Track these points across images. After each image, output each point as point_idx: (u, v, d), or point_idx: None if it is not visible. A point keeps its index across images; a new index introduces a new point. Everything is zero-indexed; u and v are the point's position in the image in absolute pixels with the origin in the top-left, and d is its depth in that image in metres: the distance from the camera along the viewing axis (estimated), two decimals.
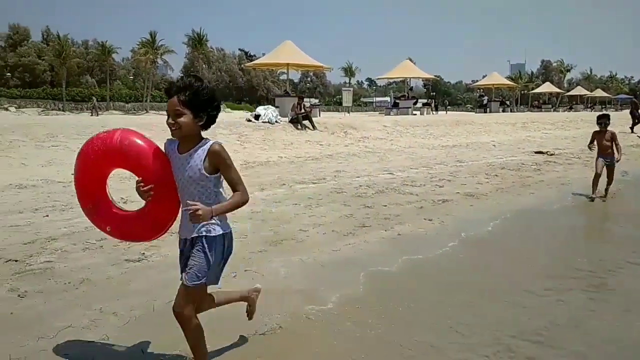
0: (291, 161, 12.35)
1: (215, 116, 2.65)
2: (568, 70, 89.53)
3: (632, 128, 22.38)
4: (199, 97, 2.52)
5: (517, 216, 6.85)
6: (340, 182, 9.15)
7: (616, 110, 59.96)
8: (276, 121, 16.97)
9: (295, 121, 16.97)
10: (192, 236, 2.69)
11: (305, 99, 25.20)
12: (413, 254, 5.04)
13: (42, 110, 42.26)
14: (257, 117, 17.09)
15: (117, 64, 64.95)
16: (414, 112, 31.50)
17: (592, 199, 7.94)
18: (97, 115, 35.76)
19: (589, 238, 6.37)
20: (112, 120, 18.03)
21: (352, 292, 4.05)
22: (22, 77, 55.63)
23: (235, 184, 2.60)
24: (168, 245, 5.05)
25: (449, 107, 55.28)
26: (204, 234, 2.64)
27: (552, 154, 14.42)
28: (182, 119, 2.52)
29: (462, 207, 7.24)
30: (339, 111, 46.45)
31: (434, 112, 36.43)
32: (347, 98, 35.83)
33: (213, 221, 2.60)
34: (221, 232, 2.68)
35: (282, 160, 12.40)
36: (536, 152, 14.89)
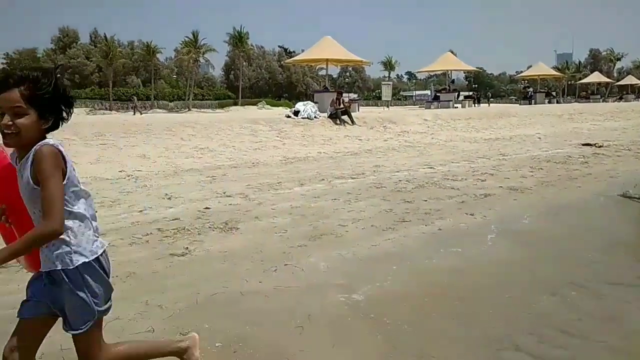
0: (330, 156, 12.39)
1: (65, 119, 2.01)
2: (618, 59, 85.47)
3: None
4: (42, 91, 1.86)
5: (562, 210, 6.63)
6: (379, 177, 9.11)
7: None
8: (315, 117, 17.04)
9: (334, 116, 16.99)
10: (47, 270, 1.95)
11: (344, 94, 25.23)
12: (453, 248, 4.97)
13: (90, 110, 43.81)
14: (296, 113, 17.21)
15: (161, 64, 66.48)
16: (456, 105, 30.92)
17: None
18: (141, 113, 36.82)
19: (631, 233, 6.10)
20: (156, 118, 18.58)
21: (389, 285, 4.04)
22: (72, 78, 57.77)
23: (46, 208, 1.81)
24: (211, 239, 5.19)
25: (491, 99, 53.89)
26: (59, 267, 1.92)
27: (600, 146, 13.86)
28: (22, 120, 1.82)
29: (505, 201, 7.08)
30: (378, 105, 45.98)
31: (476, 105, 35.63)
32: (386, 92, 35.43)
33: (68, 248, 1.91)
34: (84, 260, 1.95)
35: (321, 156, 12.45)
36: (584, 145, 14.35)
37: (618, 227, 6.06)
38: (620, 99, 54.66)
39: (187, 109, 47.82)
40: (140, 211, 6.46)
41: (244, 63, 64.11)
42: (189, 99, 51.98)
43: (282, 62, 61.56)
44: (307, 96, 47.16)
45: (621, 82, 64.11)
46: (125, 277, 4.21)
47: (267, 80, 71.54)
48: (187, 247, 4.92)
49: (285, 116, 17.35)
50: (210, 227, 5.62)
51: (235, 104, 52.64)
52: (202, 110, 46.76)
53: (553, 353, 3.02)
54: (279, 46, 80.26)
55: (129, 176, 9.21)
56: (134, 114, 35.48)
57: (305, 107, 17.56)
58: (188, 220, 5.92)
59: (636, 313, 3.56)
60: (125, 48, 62.62)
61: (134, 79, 61.96)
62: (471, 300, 3.79)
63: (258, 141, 13.56)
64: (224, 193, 7.59)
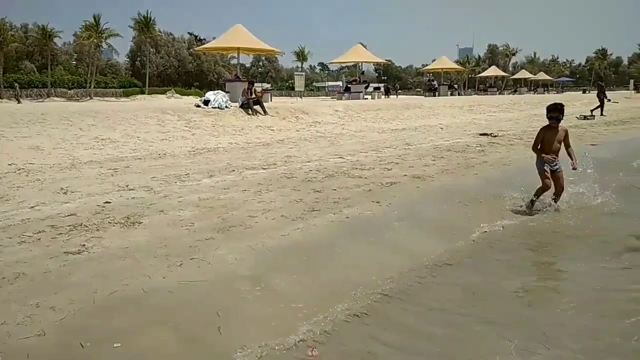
0: (241, 147, 12.21)
1: None
2: (513, 54, 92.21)
3: (599, 110, 23.28)
4: None
5: (456, 196, 7.05)
6: (290, 167, 9.13)
7: (557, 92, 62.60)
8: (226, 106, 16.70)
9: (246, 106, 16.77)
10: None
11: (256, 84, 24.92)
12: (360, 235, 5.12)
13: None
14: (206, 102, 16.75)
15: (58, 49, 61.85)
16: (366, 97, 31.74)
17: (531, 206, 6.43)
18: (19, 102, 34.15)
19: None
20: (52, 107, 17.24)
21: (301, 275, 4.08)
22: None
23: None
24: (111, 235, 4.93)
25: (399, 91, 55.97)
26: None
27: (495, 136, 14.91)
28: None
29: (409, 189, 7.39)
30: (291, 96, 46.04)
31: (385, 97, 36.83)
32: (299, 83, 35.53)
33: None
34: None
35: (232, 147, 12.23)
36: (481, 134, 15.34)
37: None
38: (515, 91, 59.18)
39: (89, 97, 44.93)
40: (32, 207, 5.97)
41: (151, 50, 61.29)
42: (90, 86, 48.81)
43: (192, 50, 59.56)
44: (219, 85, 46.12)
45: (516, 76, 69.30)
46: (13, 278, 3.89)
47: (177, 68, 68.98)
48: (84, 244, 4.63)
49: (195, 105, 16.82)
50: (110, 223, 5.32)
51: (142, 92, 50.17)
52: (105, 98, 44.16)
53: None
54: (188, 33, 77.66)
55: (19, 170, 8.46)
56: (18, 103, 32.80)
57: (215, 96, 17.13)
58: (86, 216, 5.57)
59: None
60: (18, 31, 57.44)
61: (28, 65, 57.08)
62: (368, 283, 3.93)
63: (165, 131, 13.05)
64: (127, 186, 7.22)
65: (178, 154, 10.87)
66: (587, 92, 62.22)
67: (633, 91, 47.04)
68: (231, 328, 3.24)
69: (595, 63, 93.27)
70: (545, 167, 6.26)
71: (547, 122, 6.33)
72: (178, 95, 46.14)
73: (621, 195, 6.65)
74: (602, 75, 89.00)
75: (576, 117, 21.59)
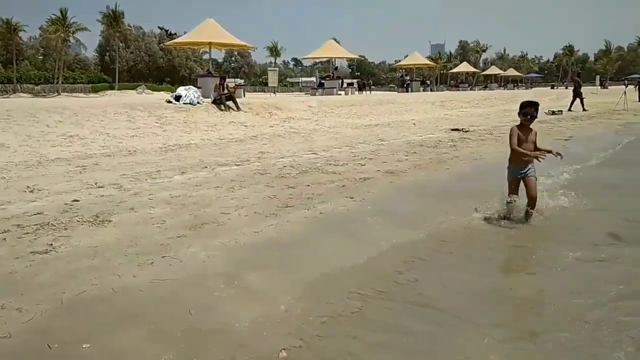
0: (214, 143, 12.10)
1: None
2: (484, 51, 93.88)
3: (579, 105, 23.81)
4: None
5: (431, 191, 7.14)
6: (264, 164, 9.09)
7: (526, 88, 63.94)
8: (198, 102, 16.52)
9: (218, 102, 16.61)
10: None
11: (229, 79, 24.71)
12: (334, 230, 5.13)
13: None
14: (177, 98, 16.54)
15: (24, 44, 60.14)
16: (339, 92, 31.80)
17: (508, 212, 5.51)
18: None
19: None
20: (18, 103, 16.75)
21: (274, 271, 4.07)
22: None
23: None
24: (79, 234, 4.82)
25: (373, 87, 56.29)
26: None
27: (467, 131, 15.14)
28: None
29: (382, 184, 7.44)
30: (264, 92, 45.76)
31: (359, 92, 36.97)
32: (272, 78, 35.37)
33: None
34: None
35: (204, 143, 12.11)
36: (452, 130, 15.56)
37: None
38: (486, 87, 60.16)
39: (56, 93, 43.80)
40: None
41: (121, 44, 60.11)
42: (58, 82, 47.58)
43: (162, 45, 58.69)
44: (191, 81, 45.53)
45: (486, 72, 70.51)
46: None
47: (147, 63, 67.82)
48: (52, 244, 4.52)
49: (166, 101, 16.59)
50: (78, 221, 5.21)
51: (112, 88, 49.21)
52: (74, 94, 43.11)
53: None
54: (159, 27, 76.37)
55: None
56: None
57: (187, 92, 16.92)
58: (53, 215, 5.44)
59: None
60: None
61: None
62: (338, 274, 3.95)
63: (135, 128, 12.83)
64: (96, 184, 7.08)
65: (149, 150, 10.70)
66: (555, 87, 63.89)
67: (599, 87, 48.40)
68: (203, 326, 3.20)
69: (562, 59, 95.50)
70: (513, 175, 5.48)
71: (518, 120, 5.50)
72: (149, 90, 45.39)
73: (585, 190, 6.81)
74: (569, 70, 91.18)
75: (545, 112, 22.08)
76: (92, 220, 5.27)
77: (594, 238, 4.88)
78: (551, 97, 32.87)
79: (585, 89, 25.92)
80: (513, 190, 5.45)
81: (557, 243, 4.83)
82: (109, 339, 3.02)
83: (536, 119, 5.46)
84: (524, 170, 5.38)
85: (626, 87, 31.30)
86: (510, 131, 5.47)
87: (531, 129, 5.44)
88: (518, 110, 5.53)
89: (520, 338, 3.12)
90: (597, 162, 9.56)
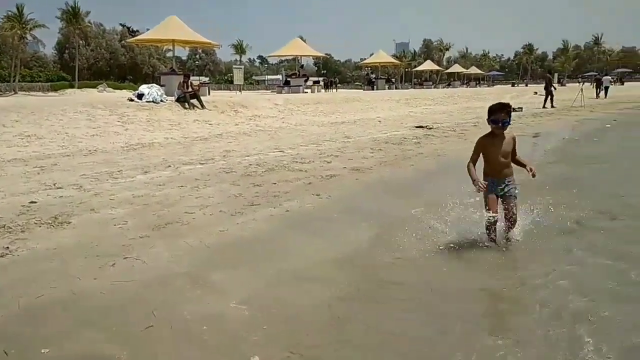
0: (178, 142, 11.91)
1: None
2: (447, 49, 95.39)
3: (548, 102, 24.39)
4: None
5: (396, 187, 7.22)
6: (229, 162, 9.01)
7: (488, 85, 65.40)
8: (161, 100, 16.22)
9: (182, 100, 16.35)
10: None
11: (194, 77, 24.31)
12: (300, 230, 5.13)
13: None
14: (140, 96, 16.20)
15: None
16: (306, 90, 31.77)
17: (488, 232, 4.52)
18: None
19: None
20: None
21: (241, 270, 4.04)
22: None
23: None
24: (37, 237, 4.67)
25: (339, 85, 56.47)
26: None
27: (430, 128, 15.38)
28: None
29: (348, 181, 7.49)
30: (230, 90, 45.28)
31: (325, 90, 37.04)
32: (238, 76, 35.02)
33: None
34: None
35: (168, 142, 11.90)
36: (417, 127, 15.78)
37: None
38: (449, 85, 61.19)
39: (13, 92, 42.18)
40: None
41: (81, 42, 58.35)
42: (14, 80, 45.82)
43: (124, 42, 57.23)
44: (154, 79, 44.65)
45: (449, 70, 71.69)
46: None
47: (109, 61, 66.03)
48: (8, 247, 4.36)
49: (128, 100, 16.22)
50: (36, 223, 5.04)
51: (72, 86, 47.61)
52: (32, 93, 41.59)
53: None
54: (120, 24, 74.47)
55: None
56: None
57: (150, 90, 16.59)
58: (9, 217, 5.24)
59: None
60: None
61: None
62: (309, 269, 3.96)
63: (96, 127, 12.49)
64: (54, 184, 6.86)
65: (110, 150, 10.45)
66: (515, 85, 65.59)
67: (557, 84, 49.93)
68: (168, 327, 3.15)
69: (523, 58, 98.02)
70: (490, 191, 4.47)
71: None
72: (110, 89, 44.16)
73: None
74: (529, 68, 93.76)
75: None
76: (50, 222, 5.11)
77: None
78: (512, 95, 33.75)
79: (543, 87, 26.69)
80: (491, 207, 4.44)
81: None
82: (70, 343, 2.94)
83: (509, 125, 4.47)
84: (504, 187, 4.50)
85: (582, 84, 32.44)
86: (475, 144, 4.59)
87: (505, 137, 4.47)
88: (487, 117, 4.54)
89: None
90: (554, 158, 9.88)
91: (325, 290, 3.66)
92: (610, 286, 3.69)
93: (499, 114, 4.41)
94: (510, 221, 4.54)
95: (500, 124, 4.40)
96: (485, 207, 4.52)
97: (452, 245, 4.49)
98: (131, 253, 4.31)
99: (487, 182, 4.41)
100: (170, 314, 3.28)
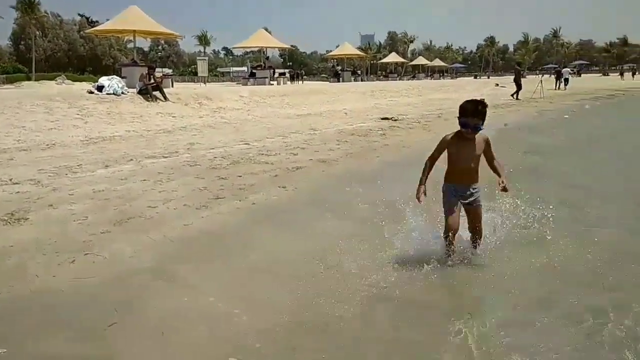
0: (140, 135, 11.64)
1: None
2: (411, 41, 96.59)
3: (515, 95, 24.85)
4: None
5: (362, 179, 7.26)
6: (193, 155, 8.88)
7: (452, 78, 66.51)
8: (122, 92, 15.81)
9: (144, 92, 15.97)
10: None
11: (157, 69, 23.79)
12: (266, 223, 5.11)
13: None
14: (100, 88, 15.74)
15: None
16: (271, 82, 31.57)
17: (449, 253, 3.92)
18: None
19: None
20: None
21: (206, 264, 3.99)
22: None
23: None
24: None
25: (305, 77, 56.33)
26: None
27: (396, 120, 15.53)
28: None
29: (314, 173, 7.49)
30: (194, 82, 44.56)
31: (291, 82, 36.90)
32: (202, 68, 34.56)
33: None
34: None
35: (129, 135, 11.62)
36: (382, 119, 15.90)
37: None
38: (414, 77, 61.93)
39: None
40: None
41: (37, 32, 56.29)
42: None
43: (83, 33, 55.50)
44: (115, 70, 43.49)
45: (414, 62, 72.58)
46: None
47: (67, 52, 63.99)
48: None
49: (88, 92, 15.75)
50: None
51: (29, 78, 45.93)
52: None
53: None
54: (79, 14, 72.19)
55: None
56: None
57: (110, 82, 16.14)
58: None
59: None
60: None
61: None
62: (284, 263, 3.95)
63: (54, 120, 12.08)
64: (10, 180, 6.61)
65: (69, 143, 10.13)
66: (478, 77, 66.85)
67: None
68: (132, 325, 3.09)
69: (485, 50, 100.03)
70: (452, 199, 3.93)
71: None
72: (69, 81, 42.70)
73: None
74: (490, 60, 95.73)
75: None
76: (7, 218, 4.93)
77: None
78: (474, 87, 34.37)
79: (505, 79, 27.41)
80: (452, 216, 3.90)
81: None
82: (28, 342, 2.85)
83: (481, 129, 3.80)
84: (467, 194, 3.91)
85: (542, 76, 33.34)
86: (440, 141, 3.94)
87: (475, 141, 3.83)
88: (458, 114, 3.82)
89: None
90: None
91: (293, 284, 3.66)
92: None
93: (471, 119, 3.71)
94: (476, 233, 4.04)
95: (469, 130, 3.75)
96: (445, 216, 3.96)
97: (404, 250, 4.24)
98: (92, 249, 4.20)
99: (424, 197, 3.85)
100: (135, 311, 3.22)
